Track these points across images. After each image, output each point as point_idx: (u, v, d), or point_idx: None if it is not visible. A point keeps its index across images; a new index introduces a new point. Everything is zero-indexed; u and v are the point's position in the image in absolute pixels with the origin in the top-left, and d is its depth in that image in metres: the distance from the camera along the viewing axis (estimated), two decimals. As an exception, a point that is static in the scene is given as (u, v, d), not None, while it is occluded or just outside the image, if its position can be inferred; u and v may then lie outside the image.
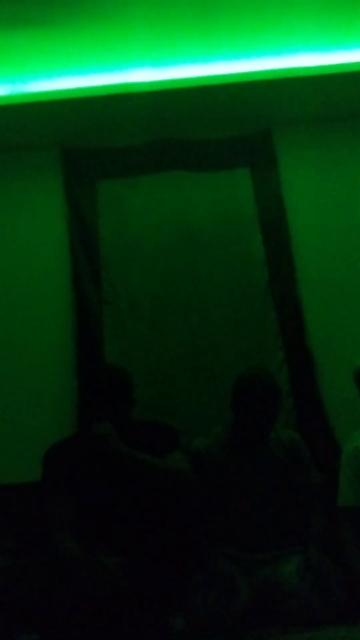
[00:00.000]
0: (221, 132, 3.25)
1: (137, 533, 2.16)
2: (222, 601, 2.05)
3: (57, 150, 3.24)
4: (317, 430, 2.92)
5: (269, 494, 2.35)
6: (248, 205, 3.19)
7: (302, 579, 2.06)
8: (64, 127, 3.14)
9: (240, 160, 3.24)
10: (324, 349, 3.04)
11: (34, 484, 2.36)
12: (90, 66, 2.90)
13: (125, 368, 2.49)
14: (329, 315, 3.09)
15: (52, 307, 3.12)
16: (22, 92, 2.95)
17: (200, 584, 2.12)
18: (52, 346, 3.07)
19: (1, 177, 3.24)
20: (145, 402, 2.73)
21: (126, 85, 2.97)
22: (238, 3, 2.66)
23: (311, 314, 3.08)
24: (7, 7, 2.55)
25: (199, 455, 2.37)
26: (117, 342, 3.04)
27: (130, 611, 1.96)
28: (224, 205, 3.20)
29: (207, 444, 2.43)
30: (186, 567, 2.16)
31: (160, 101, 3.01)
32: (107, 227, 3.19)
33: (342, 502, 2.37)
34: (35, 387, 3.01)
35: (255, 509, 2.32)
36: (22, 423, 2.96)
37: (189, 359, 3.02)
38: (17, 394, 3.00)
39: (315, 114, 3.23)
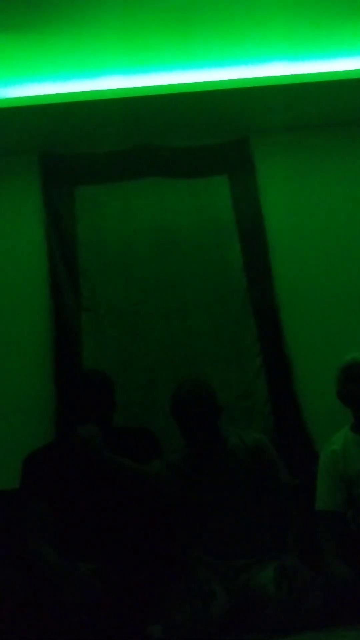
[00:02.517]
0: (200, 139, 3.27)
1: (115, 539, 2.14)
2: (200, 608, 2.04)
3: (35, 156, 3.23)
4: (294, 436, 2.93)
5: (238, 499, 2.35)
6: (226, 212, 3.22)
7: (278, 586, 2.06)
8: (42, 133, 3.13)
9: (219, 168, 3.27)
10: (302, 355, 3.06)
11: (11, 491, 2.33)
12: (69, 72, 2.91)
13: (107, 372, 2.48)
14: (307, 322, 3.11)
15: (30, 313, 3.10)
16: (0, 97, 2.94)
17: (177, 591, 2.11)
18: (29, 353, 3.05)
19: (-21, 182, 3.23)
20: (124, 408, 2.72)
21: (104, 92, 2.98)
22: (215, 12, 2.69)
23: (289, 320, 3.10)
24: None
25: (171, 469, 2.36)
26: (95, 349, 3.03)
27: (108, 618, 1.95)
28: (203, 212, 3.22)
29: (174, 458, 2.42)
30: (164, 574, 2.15)
31: (139, 108, 3.03)
32: (85, 233, 3.18)
33: (320, 507, 2.39)
34: (13, 394, 2.97)
35: (227, 515, 2.32)
36: (-1, 430, 2.93)
37: (168, 365, 3.02)
38: (-6, 401, 2.98)
39: (292, 122, 3.27)
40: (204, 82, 2.99)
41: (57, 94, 2.96)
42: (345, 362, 2.47)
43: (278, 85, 3.01)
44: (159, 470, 2.26)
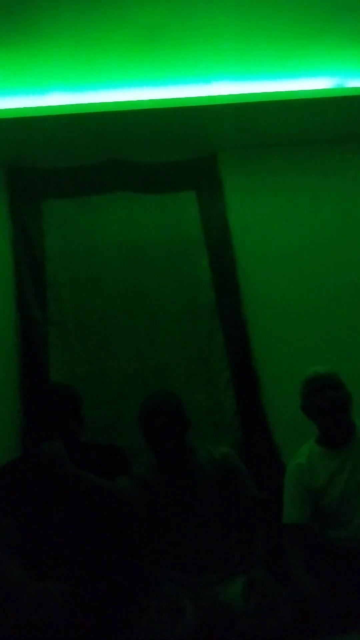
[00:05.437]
0: (168, 155, 3.29)
1: (83, 557, 2.12)
2: (169, 625, 2.03)
3: (2, 170, 3.21)
4: (262, 449, 2.95)
5: (206, 513, 2.35)
6: (194, 227, 3.24)
7: (246, 600, 2.06)
8: (10, 147, 3.11)
9: (187, 184, 3.29)
10: (269, 369, 3.09)
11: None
12: (36, 86, 2.90)
13: (73, 386, 2.46)
14: (274, 336, 3.15)
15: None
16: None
17: (146, 608, 2.09)
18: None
19: None
20: (92, 423, 2.70)
21: (73, 106, 2.98)
22: (183, 29, 2.72)
23: (256, 334, 3.13)
24: None
25: (139, 484, 2.35)
26: (63, 363, 3.00)
27: (77, 639, 1.92)
28: (171, 227, 3.23)
29: (141, 473, 2.42)
30: (132, 591, 2.14)
31: (107, 123, 3.04)
32: (53, 247, 3.16)
33: (287, 520, 2.40)
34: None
35: (195, 529, 2.32)
36: None
37: (136, 379, 3.02)
38: None
39: (259, 139, 3.32)
40: (173, 98, 3.02)
41: (24, 108, 2.95)
42: (308, 376, 2.51)
43: (246, 103, 3.06)
44: (125, 485, 2.25)
